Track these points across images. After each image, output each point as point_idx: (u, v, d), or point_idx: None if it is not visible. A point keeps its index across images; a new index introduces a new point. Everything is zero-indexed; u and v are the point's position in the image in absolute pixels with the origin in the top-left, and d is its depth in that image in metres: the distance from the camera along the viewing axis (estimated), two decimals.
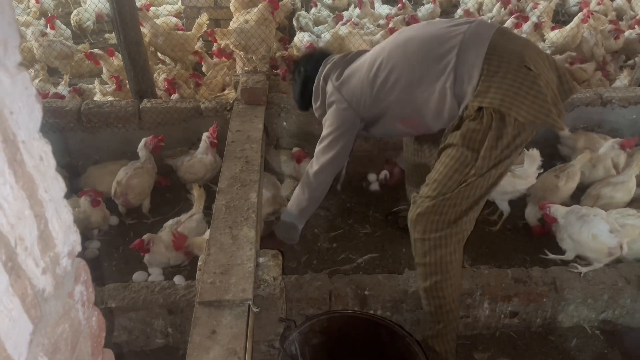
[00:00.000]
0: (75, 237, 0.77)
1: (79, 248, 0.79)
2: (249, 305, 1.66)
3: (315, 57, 2.27)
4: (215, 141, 2.81)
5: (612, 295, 2.19)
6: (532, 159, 2.66)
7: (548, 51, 4.40)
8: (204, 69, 4.09)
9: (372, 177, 3.15)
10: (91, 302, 0.84)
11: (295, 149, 2.94)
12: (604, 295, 2.19)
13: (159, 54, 4.16)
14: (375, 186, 3.14)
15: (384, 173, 2.85)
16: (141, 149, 2.82)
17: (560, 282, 2.19)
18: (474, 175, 1.76)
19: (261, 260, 1.86)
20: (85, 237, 2.76)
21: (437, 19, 4.37)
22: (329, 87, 2.14)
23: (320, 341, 1.86)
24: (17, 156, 0.61)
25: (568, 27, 4.26)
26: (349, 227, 2.86)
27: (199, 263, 1.84)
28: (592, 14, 4.38)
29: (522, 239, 2.78)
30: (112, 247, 2.72)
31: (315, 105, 2.23)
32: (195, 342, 1.53)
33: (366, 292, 2.15)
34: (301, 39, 4.31)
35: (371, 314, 1.94)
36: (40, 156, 0.67)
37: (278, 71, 3.68)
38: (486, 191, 1.84)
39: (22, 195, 0.62)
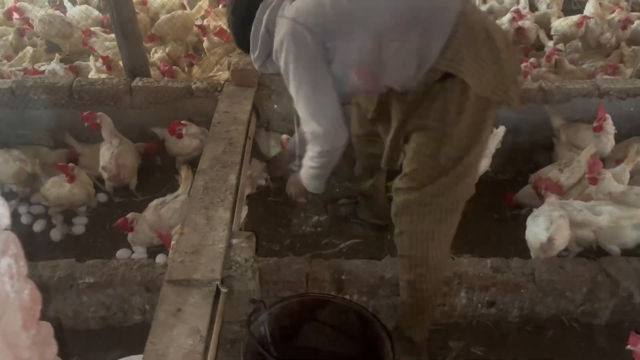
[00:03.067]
0: (2, 211, 0.77)
1: (6, 221, 0.79)
2: (217, 286, 1.67)
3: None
4: None
5: (592, 288, 2.18)
6: (493, 136, 2.66)
7: (554, 39, 4.33)
8: (205, 44, 4.07)
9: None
10: (22, 275, 0.84)
11: (284, 136, 2.93)
12: (583, 288, 2.18)
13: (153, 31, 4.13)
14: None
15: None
16: (104, 130, 2.80)
17: (539, 274, 2.18)
18: (445, 162, 1.72)
19: (234, 241, 1.86)
20: (74, 213, 2.79)
21: None
22: (278, 23, 1.72)
23: (291, 323, 1.88)
24: None
25: (575, 16, 4.17)
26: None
27: (172, 242, 1.85)
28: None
29: (509, 230, 2.75)
30: (99, 225, 2.75)
31: (253, 55, 1.84)
32: (159, 319, 1.55)
33: (343, 277, 2.15)
34: None
35: (342, 298, 1.95)
36: None
37: None
38: (468, 187, 1.82)
39: None
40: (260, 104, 3.00)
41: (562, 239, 2.27)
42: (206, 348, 1.55)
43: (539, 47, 4.34)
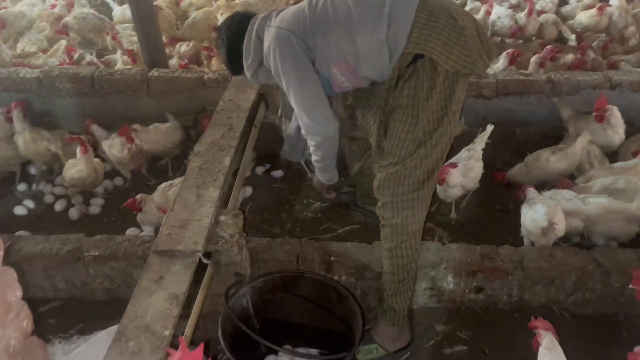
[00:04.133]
0: None
1: None
2: (200, 257, 1.78)
3: (236, 20, 2.11)
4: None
5: (581, 277, 2.17)
6: (481, 136, 2.68)
7: (576, 32, 4.25)
8: None
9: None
10: None
11: None
12: (572, 277, 2.17)
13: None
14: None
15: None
16: None
17: (528, 261, 2.18)
18: (422, 134, 1.86)
19: (222, 218, 1.97)
20: (92, 195, 2.98)
21: None
22: (266, 32, 1.97)
23: (273, 298, 1.97)
24: None
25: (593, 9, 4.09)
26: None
27: (165, 217, 1.97)
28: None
29: (509, 220, 2.75)
30: (114, 206, 2.92)
31: (247, 63, 2.06)
32: (142, 285, 1.67)
33: (332, 258, 2.22)
34: None
35: (321, 274, 2.03)
36: None
37: None
38: (441, 154, 1.94)
39: None
40: (270, 94, 3.10)
41: (562, 223, 2.28)
42: (186, 316, 1.67)
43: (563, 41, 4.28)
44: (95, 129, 3.03)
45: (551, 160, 2.67)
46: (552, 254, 2.22)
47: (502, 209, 2.86)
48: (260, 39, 2.00)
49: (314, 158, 2.21)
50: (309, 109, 2.01)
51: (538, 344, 1.75)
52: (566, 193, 2.38)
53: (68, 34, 4.42)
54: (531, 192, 2.40)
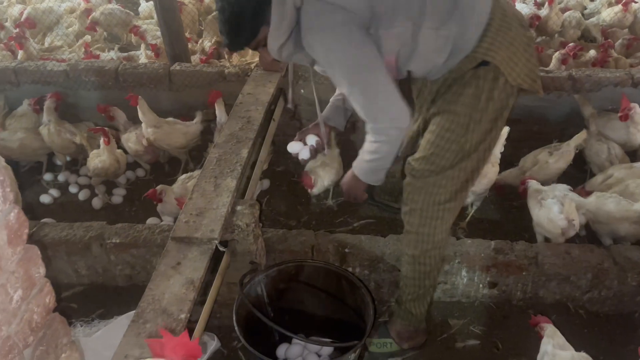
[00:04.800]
0: None
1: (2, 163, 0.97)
2: (216, 245, 1.82)
3: None
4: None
5: (597, 275, 2.15)
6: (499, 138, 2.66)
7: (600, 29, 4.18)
8: None
9: (296, 146, 2.20)
10: (8, 199, 1.01)
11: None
12: (588, 274, 2.16)
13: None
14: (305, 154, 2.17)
15: (314, 139, 2.16)
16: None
17: (542, 257, 2.18)
18: (469, 147, 1.75)
19: (239, 208, 2.01)
20: (114, 185, 3.06)
21: None
22: (309, 5, 1.59)
23: (288, 287, 2.00)
24: None
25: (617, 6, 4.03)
26: None
27: (183, 206, 2.02)
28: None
29: (525, 217, 2.73)
30: (135, 196, 3.00)
31: (280, 40, 1.65)
32: (160, 270, 1.72)
33: (346, 250, 2.25)
34: None
35: (335, 265, 2.05)
36: None
37: None
38: (478, 165, 1.84)
39: None
40: (288, 88, 3.13)
41: (577, 217, 2.28)
42: (202, 302, 1.72)
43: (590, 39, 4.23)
44: (116, 111, 3.07)
45: (550, 162, 2.67)
46: (568, 250, 2.21)
47: (519, 206, 2.84)
48: (296, 8, 1.60)
49: (368, 157, 1.85)
50: (381, 99, 1.68)
51: (541, 335, 1.78)
52: (562, 187, 2.39)
53: (96, 29, 4.52)
54: (533, 183, 2.39)
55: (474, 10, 1.64)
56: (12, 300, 1.04)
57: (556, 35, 4.18)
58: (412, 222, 1.92)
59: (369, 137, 1.80)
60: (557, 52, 3.45)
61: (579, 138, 2.68)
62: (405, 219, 1.96)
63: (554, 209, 2.30)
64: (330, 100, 2.16)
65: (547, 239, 2.39)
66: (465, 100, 1.71)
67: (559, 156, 2.67)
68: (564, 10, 4.27)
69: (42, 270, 1.13)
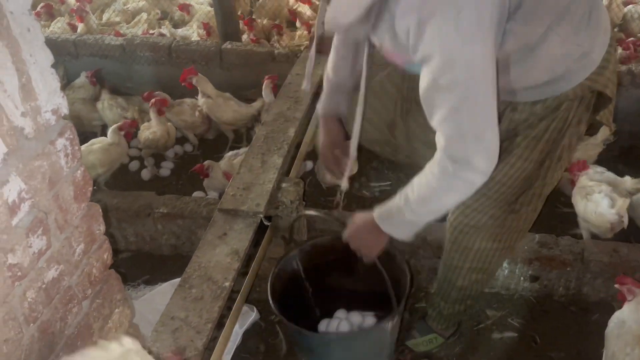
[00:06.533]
0: (60, 101, 1.00)
1: (65, 110, 1.02)
2: (261, 218, 1.87)
3: None
4: None
5: None
6: None
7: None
8: (297, 24, 4.29)
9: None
10: (76, 157, 1.07)
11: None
12: (636, 273, 2.09)
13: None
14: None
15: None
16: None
17: (589, 254, 2.12)
18: (542, 180, 1.58)
19: (284, 185, 2.05)
20: (163, 158, 3.16)
21: None
22: None
23: (323, 261, 2.01)
24: (4, 22, 0.85)
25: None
26: (396, 180, 2.94)
27: (231, 180, 2.08)
28: None
29: (573, 214, 2.67)
30: (183, 170, 3.08)
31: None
32: (207, 239, 1.78)
33: None
34: None
35: None
36: (28, 28, 0.90)
37: None
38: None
39: (6, 51, 0.85)
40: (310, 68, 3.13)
41: (625, 212, 2.22)
42: (244, 274, 1.77)
43: None
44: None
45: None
46: (616, 248, 2.15)
47: (566, 202, 2.77)
48: None
49: (417, 206, 1.37)
50: (486, 127, 1.22)
51: (625, 298, 1.71)
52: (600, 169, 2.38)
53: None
54: (583, 179, 2.34)
55: (600, 18, 1.33)
56: (75, 253, 1.10)
57: (616, 29, 4.02)
58: (467, 258, 1.77)
59: (433, 175, 1.30)
60: (620, 49, 3.31)
61: (604, 133, 2.62)
62: (459, 256, 1.79)
63: (603, 203, 2.24)
64: (329, 78, 1.77)
65: (593, 235, 2.33)
66: (552, 125, 1.45)
67: (583, 148, 2.64)
68: (626, 3, 4.09)
69: (102, 227, 1.19)
